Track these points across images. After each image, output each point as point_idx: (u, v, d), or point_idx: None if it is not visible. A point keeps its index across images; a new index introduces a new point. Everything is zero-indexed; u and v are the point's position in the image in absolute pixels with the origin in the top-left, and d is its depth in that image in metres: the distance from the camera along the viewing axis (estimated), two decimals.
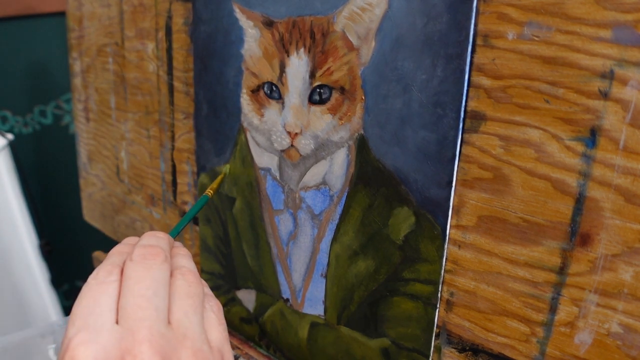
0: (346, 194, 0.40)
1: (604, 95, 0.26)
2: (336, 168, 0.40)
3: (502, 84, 0.30)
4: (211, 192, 0.45)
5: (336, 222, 0.41)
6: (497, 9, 0.29)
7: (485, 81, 0.30)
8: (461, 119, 0.32)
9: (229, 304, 0.53)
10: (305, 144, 0.41)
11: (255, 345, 0.52)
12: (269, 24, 0.41)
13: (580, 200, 0.28)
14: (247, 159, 0.47)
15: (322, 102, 0.39)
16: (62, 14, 1.03)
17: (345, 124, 0.38)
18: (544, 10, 0.28)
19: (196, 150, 0.53)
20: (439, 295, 0.36)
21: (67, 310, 1.06)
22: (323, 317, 0.44)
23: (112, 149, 0.69)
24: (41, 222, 1.16)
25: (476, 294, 0.34)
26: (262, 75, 0.43)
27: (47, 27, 1.28)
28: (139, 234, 0.68)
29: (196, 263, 0.57)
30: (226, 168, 0.49)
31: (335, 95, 0.38)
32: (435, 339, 0.37)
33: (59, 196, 1.41)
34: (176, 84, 0.54)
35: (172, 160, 0.58)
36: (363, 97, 0.37)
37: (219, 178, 0.48)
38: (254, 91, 0.44)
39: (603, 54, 0.26)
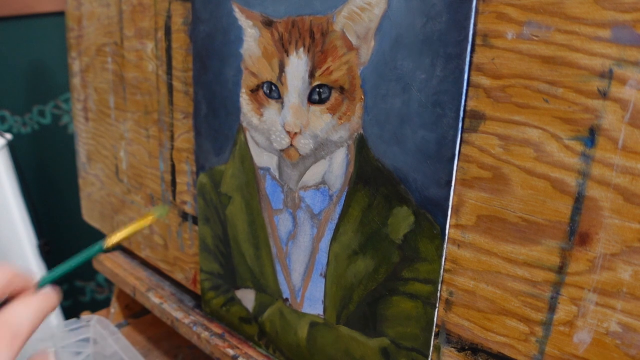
0: (345, 193, 0.40)
1: (603, 95, 0.26)
2: (335, 167, 0.40)
3: (501, 83, 0.30)
4: (112, 242, 0.38)
5: (335, 221, 0.41)
6: (496, 9, 0.29)
7: (485, 81, 0.30)
8: (460, 119, 0.32)
9: (228, 304, 0.53)
10: (304, 144, 0.41)
11: (255, 344, 0.52)
12: (268, 23, 0.41)
13: (579, 200, 0.28)
14: (247, 159, 0.47)
15: (321, 101, 0.39)
16: (61, 14, 1.03)
17: (344, 124, 0.38)
18: (543, 9, 0.28)
19: (195, 150, 0.53)
20: (438, 294, 0.36)
21: (65, 310, 1.05)
22: (322, 317, 0.44)
23: (111, 148, 0.69)
24: (40, 222, 1.16)
25: (475, 293, 0.34)
26: (261, 75, 0.43)
27: (46, 26, 1.28)
28: (137, 233, 0.68)
29: (195, 263, 0.57)
30: (161, 212, 0.43)
31: (335, 94, 0.38)
32: (434, 338, 0.37)
33: (57, 196, 1.41)
34: (175, 83, 0.54)
35: (172, 160, 0.58)
36: (362, 97, 0.37)
37: (139, 225, 0.40)
38: (253, 91, 0.44)
39: (602, 54, 0.26)
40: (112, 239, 0.38)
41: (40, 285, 0.31)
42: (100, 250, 0.37)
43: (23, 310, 0.27)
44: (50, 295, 0.30)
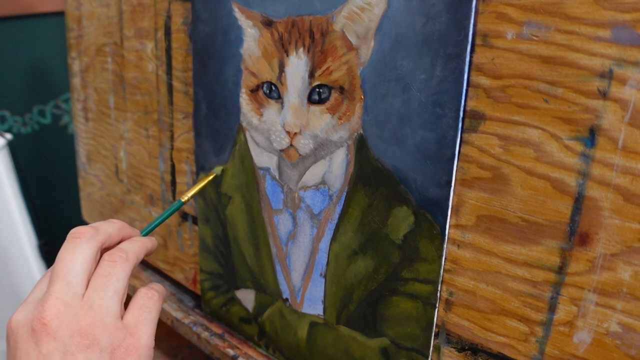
0: (345, 193, 0.40)
1: (603, 95, 0.26)
2: (335, 168, 0.40)
3: (501, 83, 0.30)
4: (188, 196, 0.46)
5: (335, 221, 0.41)
6: (496, 9, 0.29)
7: (485, 81, 0.30)
8: (460, 119, 0.32)
9: (228, 304, 0.53)
10: (304, 144, 0.41)
11: (255, 345, 0.52)
12: (268, 23, 0.41)
13: (579, 200, 0.28)
14: (246, 159, 0.47)
15: (321, 101, 0.39)
16: (61, 14, 1.03)
17: (344, 124, 0.38)
18: (543, 9, 0.28)
19: (195, 150, 0.53)
20: (438, 294, 0.36)
21: None
22: (322, 317, 0.44)
23: (111, 148, 0.69)
24: (40, 222, 1.16)
25: (475, 293, 0.34)
26: (261, 75, 0.43)
27: (46, 26, 1.28)
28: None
29: (195, 263, 0.57)
30: (218, 170, 0.49)
31: (335, 94, 0.38)
32: (434, 338, 0.37)
33: (57, 196, 1.41)
34: (175, 83, 0.54)
35: (171, 160, 0.58)
36: (362, 97, 0.37)
37: (205, 181, 0.48)
38: (253, 91, 0.44)
39: (602, 54, 0.26)
40: (187, 194, 0.46)
41: (142, 234, 0.40)
42: (181, 204, 0.45)
43: (130, 245, 0.36)
44: (149, 238, 0.39)
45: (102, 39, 0.66)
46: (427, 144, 0.34)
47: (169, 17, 0.53)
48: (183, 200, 0.45)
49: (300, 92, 0.40)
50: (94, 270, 0.34)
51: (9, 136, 1.07)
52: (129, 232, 0.38)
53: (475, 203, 0.33)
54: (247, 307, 0.51)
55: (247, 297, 0.51)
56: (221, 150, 0.49)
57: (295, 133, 0.41)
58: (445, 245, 0.34)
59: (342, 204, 0.40)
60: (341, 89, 0.38)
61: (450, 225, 0.34)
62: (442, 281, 0.35)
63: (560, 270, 0.30)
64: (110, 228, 0.36)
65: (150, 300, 0.35)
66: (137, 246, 0.37)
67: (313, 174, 0.41)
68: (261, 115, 0.44)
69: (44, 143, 1.38)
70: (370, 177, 0.38)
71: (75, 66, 0.75)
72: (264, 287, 0.48)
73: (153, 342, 0.34)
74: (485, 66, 0.30)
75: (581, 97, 0.27)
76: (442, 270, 0.35)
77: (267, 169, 0.45)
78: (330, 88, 0.38)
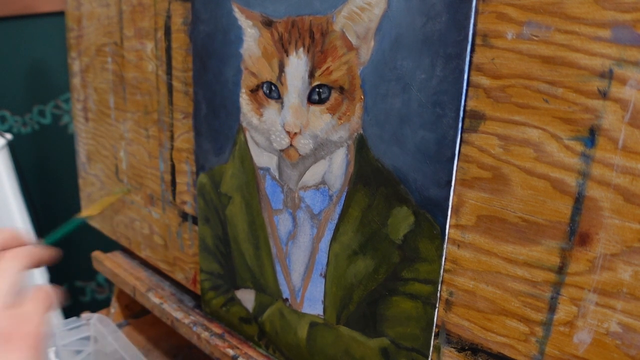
0: (345, 193, 0.40)
1: (603, 95, 0.26)
2: (335, 168, 0.40)
3: (501, 83, 0.30)
4: (88, 213, 0.46)
5: (335, 221, 0.41)
6: (496, 9, 0.29)
7: (485, 81, 0.30)
8: (460, 119, 0.32)
9: (228, 304, 0.53)
10: (304, 144, 0.41)
11: (255, 345, 0.52)
12: (268, 23, 0.41)
13: (579, 200, 0.28)
14: (247, 159, 0.47)
15: (321, 101, 0.39)
16: (61, 14, 1.03)
17: (344, 124, 0.38)
18: (543, 10, 0.28)
19: (195, 150, 0.53)
20: (438, 294, 0.36)
21: (65, 311, 1.05)
22: (322, 317, 0.44)
23: (111, 148, 0.69)
24: (40, 222, 1.16)
25: (475, 293, 0.34)
26: (261, 75, 0.43)
27: (46, 26, 1.28)
28: (137, 234, 0.68)
29: (195, 263, 0.57)
30: (121, 190, 0.50)
31: (335, 94, 0.38)
32: (434, 338, 0.37)
33: (57, 196, 1.41)
34: (175, 83, 0.54)
35: (171, 160, 0.58)
36: (362, 97, 0.37)
37: (108, 202, 0.49)
38: (253, 91, 0.44)
39: (602, 54, 0.26)
40: (86, 212, 0.46)
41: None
42: (80, 222, 0.44)
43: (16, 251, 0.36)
44: (42, 247, 0.38)
45: (102, 39, 0.66)
46: (427, 144, 0.34)
47: (169, 17, 0.53)
48: (80, 217, 0.45)
49: (300, 92, 0.40)
50: None
51: (9, 136, 1.07)
52: (18, 242, 0.38)
53: (475, 203, 0.33)
54: (247, 307, 0.51)
55: (247, 297, 0.51)
56: (221, 150, 0.49)
57: (295, 133, 0.41)
58: (445, 245, 0.34)
59: (342, 204, 0.40)
60: (341, 89, 0.38)
61: (450, 225, 0.34)
62: (442, 281, 0.35)
63: (560, 270, 0.30)
64: None
65: (41, 296, 0.36)
66: (22, 253, 0.37)
67: (313, 174, 0.41)
68: (261, 115, 0.44)
69: (44, 143, 1.38)
70: (370, 177, 0.38)
71: (75, 66, 0.75)
72: (264, 287, 0.48)
73: (45, 329, 0.34)
74: (485, 66, 0.30)
75: (581, 97, 0.27)
76: (442, 270, 0.35)
77: (267, 169, 0.45)
78: (330, 88, 0.38)
